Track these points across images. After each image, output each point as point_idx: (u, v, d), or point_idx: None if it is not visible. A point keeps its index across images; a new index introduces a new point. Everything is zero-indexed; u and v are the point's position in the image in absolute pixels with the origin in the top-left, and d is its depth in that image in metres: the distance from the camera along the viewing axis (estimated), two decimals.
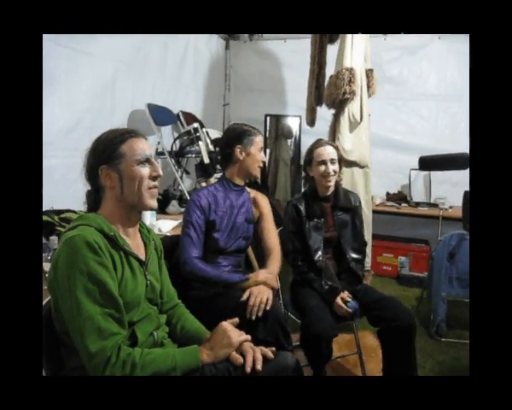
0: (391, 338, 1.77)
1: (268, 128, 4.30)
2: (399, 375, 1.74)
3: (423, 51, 4.02)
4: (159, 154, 3.23)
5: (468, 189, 1.65)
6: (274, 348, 1.21)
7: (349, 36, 2.88)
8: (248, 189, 1.94)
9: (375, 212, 3.44)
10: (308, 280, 1.92)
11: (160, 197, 2.88)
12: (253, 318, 1.51)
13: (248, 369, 1.10)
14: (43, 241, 1.80)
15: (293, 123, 4.35)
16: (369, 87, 3.13)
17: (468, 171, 1.29)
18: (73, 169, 2.35)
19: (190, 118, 3.71)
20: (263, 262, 1.86)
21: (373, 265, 3.64)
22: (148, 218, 2.41)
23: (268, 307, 1.53)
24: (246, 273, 1.73)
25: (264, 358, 1.15)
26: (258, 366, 1.11)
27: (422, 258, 3.76)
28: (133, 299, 1.11)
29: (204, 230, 1.76)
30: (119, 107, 2.94)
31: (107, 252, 1.05)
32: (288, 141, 4.43)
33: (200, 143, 3.19)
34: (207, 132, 3.56)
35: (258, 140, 1.85)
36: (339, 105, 2.91)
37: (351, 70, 2.81)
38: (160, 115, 3.22)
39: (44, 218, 1.95)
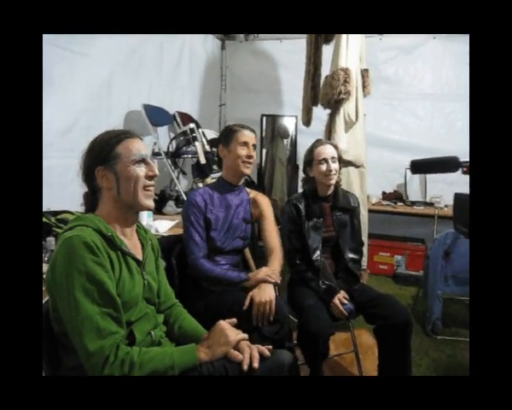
0: (387, 336, 1.78)
1: (264, 128, 4.31)
2: (395, 372, 1.76)
3: (418, 51, 4.04)
4: (155, 154, 3.23)
5: (462, 188, 1.66)
6: (271, 347, 1.22)
7: (344, 36, 2.89)
8: (248, 189, 1.95)
9: (371, 211, 3.46)
10: (305, 279, 1.94)
11: (156, 198, 2.89)
12: (260, 324, 1.54)
13: (245, 367, 1.12)
14: None
15: (289, 123, 4.35)
16: (364, 87, 3.14)
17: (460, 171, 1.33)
18: (70, 170, 2.38)
19: (186, 118, 3.71)
20: (261, 262, 1.88)
21: (369, 264, 3.66)
22: (145, 218, 2.42)
23: (271, 319, 1.56)
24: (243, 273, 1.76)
25: (261, 356, 1.16)
26: (255, 364, 1.12)
27: (418, 257, 3.79)
28: (131, 299, 1.12)
29: (204, 227, 1.77)
30: (115, 108, 2.94)
31: (105, 252, 1.06)
32: (285, 141, 4.44)
33: (197, 143, 3.20)
34: (204, 133, 3.57)
35: (240, 135, 1.79)
36: (334, 105, 2.92)
37: (346, 70, 2.83)
38: (156, 116, 3.22)
39: None
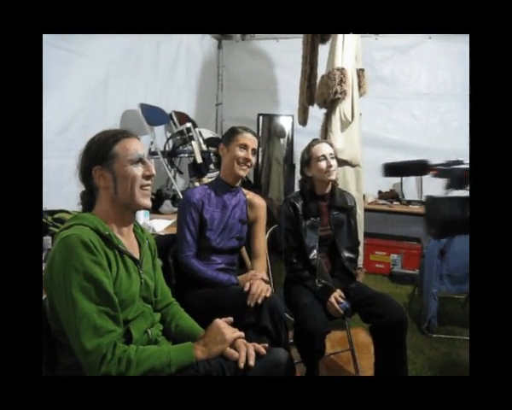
0: (382, 334, 1.80)
1: (261, 127, 4.31)
2: (391, 370, 1.77)
3: (414, 51, 4.05)
4: (152, 154, 3.23)
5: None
6: (267, 345, 1.23)
7: (340, 36, 2.90)
8: (245, 190, 1.95)
9: (367, 210, 3.47)
10: (302, 278, 1.95)
11: (153, 197, 2.89)
12: (252, 304, 1.54)
13: (241, 364, 1.12)
14: None
15: (285, 122, 4.36)
16: (360, 87, 3.16)
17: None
18: (66, 169, 2.38)
19: (183, 118, 3.71)
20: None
21: (365, 263, 3.68)
22: (142, 217, 2.42)
23: (268, 294, 1.57)
24: (239, 272, 1.76)
25: (257, 354, 1.17)
26: (251, 362, 1.13)
27: (414, 255, 3.80)
28: (128, 297, 1.12)
29: (198, 226, 1.78)
30: (111, 107, 2.94)
31: (102, 251, 1.07)
32: (281, 140, 4.44)
33: (193, 142, 3.20)
34: (200, 132, 3.57)
35: (241, 137, 1.80)
36: (330, 105, 2.93)
37: (342, 70, 2.83)
38: (153, 115, 3.22)
39: None
